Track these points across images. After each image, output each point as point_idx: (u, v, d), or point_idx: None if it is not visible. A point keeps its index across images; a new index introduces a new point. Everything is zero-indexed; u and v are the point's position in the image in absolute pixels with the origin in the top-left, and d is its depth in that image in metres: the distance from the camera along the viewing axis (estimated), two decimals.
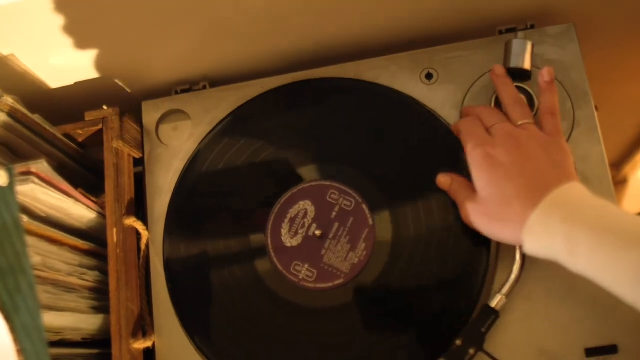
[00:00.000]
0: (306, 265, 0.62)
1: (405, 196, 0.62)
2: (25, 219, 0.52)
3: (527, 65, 0.61)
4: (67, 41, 0.62)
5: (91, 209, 0.62)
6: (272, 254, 0.62)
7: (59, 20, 0.59)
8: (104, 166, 0.64)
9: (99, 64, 0.67)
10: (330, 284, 0.61)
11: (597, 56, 0.74)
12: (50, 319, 0.55)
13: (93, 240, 0.63)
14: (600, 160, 0.61)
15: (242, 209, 0.65)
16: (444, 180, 0.60)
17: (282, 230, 0.63)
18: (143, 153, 0.69)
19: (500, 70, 0.61)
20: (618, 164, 1.19)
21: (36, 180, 0.54)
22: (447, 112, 0.65)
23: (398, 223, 0.61)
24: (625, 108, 0.95)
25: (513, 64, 0.61)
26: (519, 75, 0.61)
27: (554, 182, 0.52)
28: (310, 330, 0.61)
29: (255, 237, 0.63)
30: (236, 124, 0.68)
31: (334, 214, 0.62)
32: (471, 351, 0.56)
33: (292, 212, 0.63)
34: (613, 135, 1.04)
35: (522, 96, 0.61)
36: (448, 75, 0.66)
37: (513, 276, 0.57)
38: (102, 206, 0.63)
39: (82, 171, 0.68)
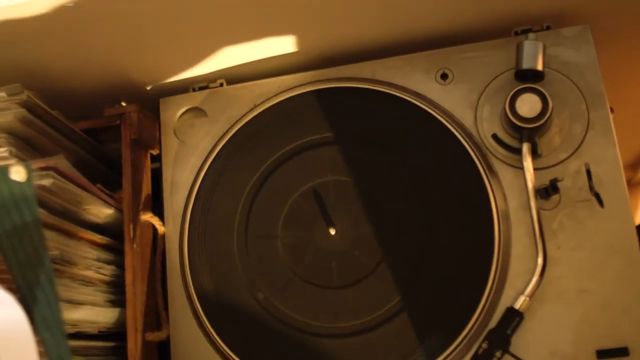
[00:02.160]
0: None
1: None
2: (43, 213, 0.53)
3: (539, 66, 0.61)
4: (87, 39, 0.63)
5: (109, 204, 0.63)
6: None
7: (78, 17, 0.59)
8: (121, 162, 0.65)
9: (118, 62, 0.67)
10: None
11: (614, 58, 0.74)
12: (67, 312, 0.56)
13: (110, 235, 0.64)
14: (614, 162, 0.61)
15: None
16: None
17: None
18: (160, 149, 0.70)
19: None
20: (635, 165, 1.18)
21: (55, 175, 0.55)
22: (462, 112, 0.65)
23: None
24: None
25: (525, 65, 0.61)
26: (531, 76, 0.61)
27: None
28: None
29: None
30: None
31: None
32: (497, 354, 0.56)
33: None
34: (630, 136, 1.03)
35: None
36: (463, 75, 0.66)
37: (535, 278, 0.57)
38: (119, 201, 0.64)
39: (101, 167, 0.69)
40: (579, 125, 0.62)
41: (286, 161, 0.66)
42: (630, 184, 1.19)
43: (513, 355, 0.56)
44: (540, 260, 0.58)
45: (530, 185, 0.59)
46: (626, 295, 0.58)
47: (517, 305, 0.57)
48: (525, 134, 0.60)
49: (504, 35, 0.66)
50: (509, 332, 0.57)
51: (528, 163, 0.60)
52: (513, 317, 0.57)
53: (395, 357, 0.59)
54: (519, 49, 0.62)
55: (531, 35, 0.62)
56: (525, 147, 0.60)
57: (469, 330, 0.58)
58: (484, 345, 0.57)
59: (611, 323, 0.57)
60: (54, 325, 0.47)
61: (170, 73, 0.71)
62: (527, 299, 0.57)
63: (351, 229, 0.63)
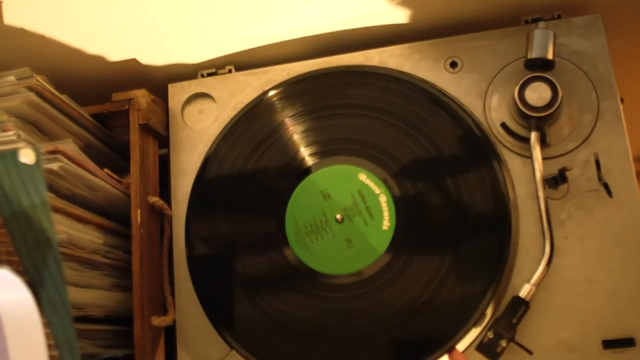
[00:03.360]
0: None
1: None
2: (52, 196, 0.53)
3: (549, 55, 0.60)
4: (96, 23, 0.63)
5: (116, 189, 0.63)
6: None
7: (88, 1, 0.59)
8: (129, 147, 0.65)
9: (127, 47, 0.67)
10: None
11: (624, 48, 0.73)
12: (74, 295, 0.56)
13: (117, 220, 0.64)
14: (623, 152, 0.61)
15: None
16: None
17: None
18: (168, 135, 0.70)
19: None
20: None
21: (63, 159, 0.55)
22: (471, 100, 0.64)
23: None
24: None
25: (535, 54, 0.60)
26: (541, 65, 0.61)
27: None
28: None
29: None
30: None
31: None
32: (503, 343, 0.56)
33: None
34: None
35: None
36: (472, 64, 0.66)
37: (542, 267, 0.57)
38: (127, 186, 0.64)
39: (108, 151, 0.69)
40: (588, 115, 0.62)
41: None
42: None
43: (519, 344, 0.56)
44: (547, 250, 0.57)
45: (538, 174, 0.59)
46: (633, 285, 0.58)
47: (524, 294, 0.57)
48: (534, 122, 0.60)
49: (514, 24, 0.66)
50: (514, 321, 0.57)
51: (537, 152, 0.59)
52: (519, 306, 0.57)
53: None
54: (529, 38, 0.61)
55: (541, 24, 0.62)
56: (534, 136, 0.60)
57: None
58: (490, 334, 0.57)
59: (618, 313, 0.57)
60: (60, 308, 0.47)
61: (178, 59, 0.71)
62: (534, 288, 0.57)
63: None
